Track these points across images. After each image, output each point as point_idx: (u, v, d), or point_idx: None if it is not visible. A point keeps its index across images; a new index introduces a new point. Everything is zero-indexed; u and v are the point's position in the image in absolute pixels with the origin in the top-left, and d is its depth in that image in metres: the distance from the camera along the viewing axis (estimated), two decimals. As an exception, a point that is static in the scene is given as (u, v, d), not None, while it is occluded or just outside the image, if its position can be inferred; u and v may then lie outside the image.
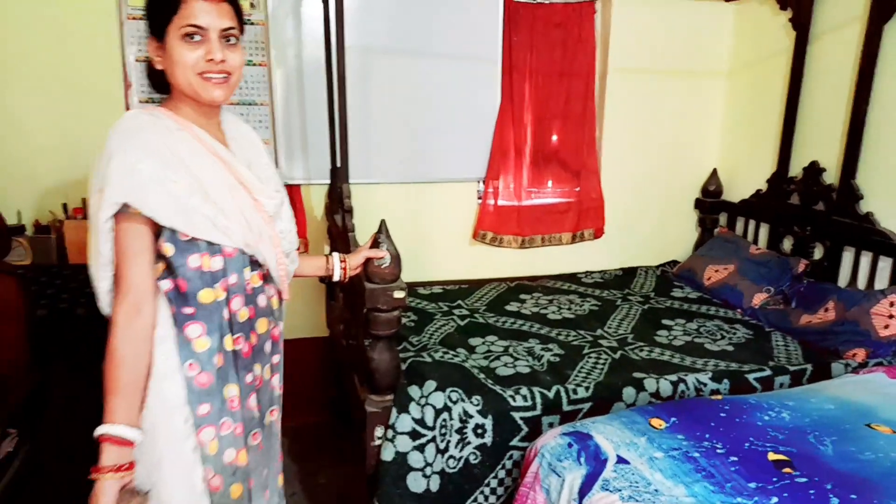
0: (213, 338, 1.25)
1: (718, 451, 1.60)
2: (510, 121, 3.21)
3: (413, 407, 1.93)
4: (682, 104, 3.44)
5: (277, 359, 1.45)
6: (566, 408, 2.03)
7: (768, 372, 2.20)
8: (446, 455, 1.95)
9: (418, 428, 1.91)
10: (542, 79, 3.20)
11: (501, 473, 2.00)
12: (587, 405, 2.04)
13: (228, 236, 1.24)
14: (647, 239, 3.58)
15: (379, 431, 1.93)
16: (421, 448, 1.91)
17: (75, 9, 2.64)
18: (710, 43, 3.40)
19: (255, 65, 2.85)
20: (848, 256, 2.73)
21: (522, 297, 3.00)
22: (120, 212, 1.16)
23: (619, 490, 1.48)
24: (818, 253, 2.89)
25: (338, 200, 2.41)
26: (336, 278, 1.68)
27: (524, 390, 2.03)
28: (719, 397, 1.90)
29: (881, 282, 2.57)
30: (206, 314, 1.24)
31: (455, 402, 1.96)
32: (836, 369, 2.26)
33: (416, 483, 1.90)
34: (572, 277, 3.33)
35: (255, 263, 1.33)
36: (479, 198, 3.28)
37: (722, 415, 1.77)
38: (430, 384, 1.98)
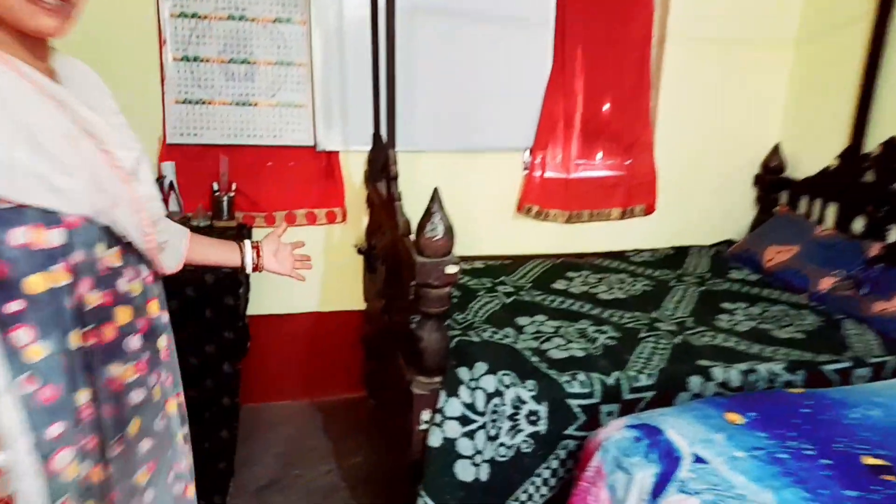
0: (51, 340, 0.92)
1: (806, 452, 1.44)
2: (560, 89, 3.01)
3: (463, 390, 1.80)
4: (745, 74, 3.21)
5: (150, 355, 1.10)
6: (626, 396, 1.88)
7: (847, 363, 2.03)
8: (497, 442, 1.82)
9: (468, 413, 1.78)
10: (597, 46, 2.99)
11: (554, 464, 1.87)
12: (650, 394, 1.89)
13: (70, 200, 0.92)
14: (700, 217, 3.38)
15: (426, 415, 1.81)
16: (471, 434, 1.78)
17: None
18: (778, 8, 3.15)
19: (293, 23, 2.70)
20: (929, 240, 2.53)
21: (570, 274, 2.84)
22: None
23: (698, 493, 1.34)
24: (894, 235, 2.68)
25: (381, 168, 2.27)
26: (249, 269, 1.41)
27: (581, 376, 1.88)
28: (800, 391, 1.74)
29: (967, 268, 2.38)
30: (38, 309, 0.91)
31: (508, 387, 1.83)
32: (921, 363, 2.08)
33: (464, 471, 1.78)
34: (621, 255, 3.16)
35: (111, 236, 1.01)
36: (525, 168, 3.11)
37: (804, 411, 1.61)
38: (481, 366, 1.84)
